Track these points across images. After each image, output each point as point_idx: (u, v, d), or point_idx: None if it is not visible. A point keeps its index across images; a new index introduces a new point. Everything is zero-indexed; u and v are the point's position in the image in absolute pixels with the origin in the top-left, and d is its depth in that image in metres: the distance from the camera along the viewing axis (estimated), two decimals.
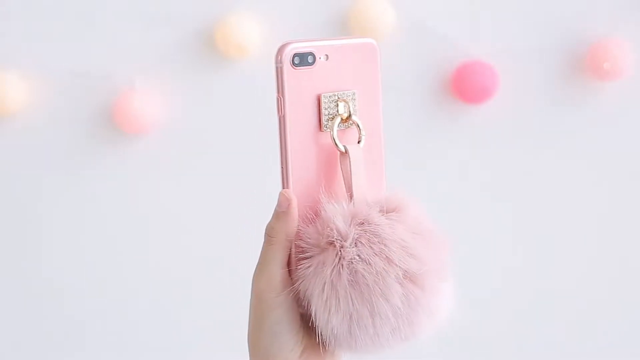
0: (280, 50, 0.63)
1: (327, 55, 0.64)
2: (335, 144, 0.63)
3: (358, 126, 0.64)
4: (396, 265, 0.59)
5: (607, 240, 1.35)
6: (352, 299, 0.59)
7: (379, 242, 0.59)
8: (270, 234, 0.62)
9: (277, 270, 0.61)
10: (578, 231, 1.34)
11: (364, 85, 0.65)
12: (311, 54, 0.63)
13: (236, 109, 1.31)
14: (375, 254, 0.59)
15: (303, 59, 0.63)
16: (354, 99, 0.64)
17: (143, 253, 1.35)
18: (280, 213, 0.62)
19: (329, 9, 1.28)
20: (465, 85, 1.27)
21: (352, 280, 0.59)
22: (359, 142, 0.64)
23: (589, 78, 1.29)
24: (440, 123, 1.31)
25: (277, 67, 0.63)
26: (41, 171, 1.33)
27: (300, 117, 0.63)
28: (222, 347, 1.33)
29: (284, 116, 0.63)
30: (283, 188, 0.63)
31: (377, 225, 0.60)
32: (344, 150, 0.63)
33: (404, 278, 0.59)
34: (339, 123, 0.64)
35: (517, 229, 1.34)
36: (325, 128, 0.63)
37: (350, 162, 0.62)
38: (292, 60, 0.63)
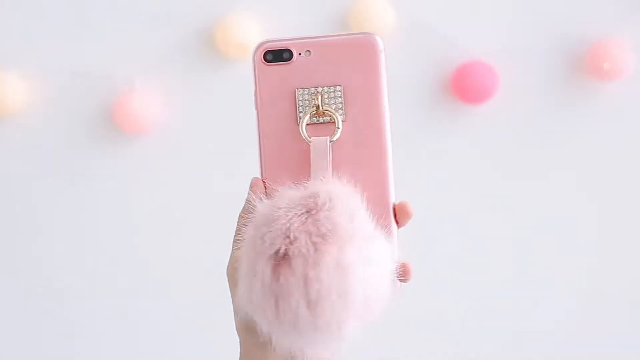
0: (255, 48, 0.66)
1: (309, 51, 0.65)
2: (303, 135, 0.64)
3: (332, 119, 0.65)
4: (269, 244, 0.59)
5: (606, 240, 1.35)
6: (244, 279, 0.61)
7: (263, 225, 0.60)
8: (238, 221, 0.66)
9: (235, 252, 0.64)
10: (578, 231, 1.34)
11: (357, 80, 0.65)
12: (287, 50, 0.65)
13: (236, 109, 1.31)
14: (258, 233, 0.60)
15: (277, 56, 0.65)
16: (337, 93, 0.65)
17: (143, 253, 1.35)
18: (246, 200, 0.65)
19: (329, 9, 1.28)
20: (465, 85, 1.27)
21: (242, 261, 0.61)
22: (334, 135, 0.65)
23: (589, 78, 1.29)
24: (440, 123, 1.31)
25: (252, 64, 0.66)
26: (41, 171, 1.33)
27: (276, 112, 0.65)
28: (222, 346, 1.32)
29: (258, 110, 0.66)
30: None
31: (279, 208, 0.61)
32: (310, 142, 0.64)
33: (277, 259, 0.59)
34: (313, 116, 0.65)
35: (517, 229, 1.34)
36: (299, 121, 0.65)
37: (311, 152, 0.64)
38: (264, 57, 0.65)
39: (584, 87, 1.30)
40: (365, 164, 0.65)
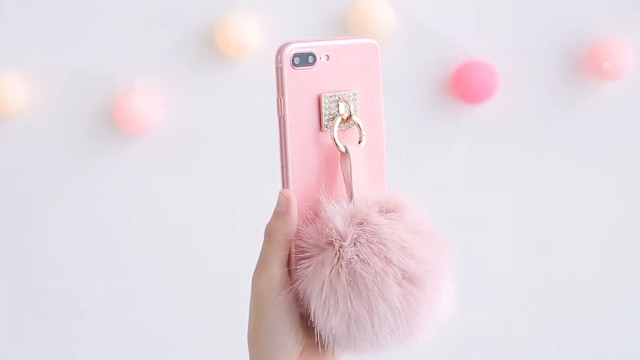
0: (280, 51, 0.62)
1: (327, 55, 0.63)
2: (336, 144, 0.63)
3: (359, 126, 0.64)
4: (395, 265, 0.59)
5: (607, 240, 1.35)
6: (350, 299, 0.59)
7: (377, 242, 0.59)
8: (269, 234, 0.62)
9: (276, 270, 0.61)
10: (578, 231, 1.34)
11: (365, 85, 0.65)
12: (311, 54, 0.63)
13: (236, 109, 1.31)
14: (374, 254, 0.59)
15: (303, 59, 0.63)
16: (355, 99, 0.64)
17: (143, 253, 1.35)
18: (280, 213, 0.61)
19: (329, 9, 1.28)
20: (465, 85, 1.27)
21: (350, 280, 0.59)
22: (359, 142, 0.64)
23: (589, 78, 1.29)
24: (440, 123, 1.31)
25: (277, 68, 0.62)
26: (41, 171, 1.33)
27: (300, 118, 0.63)
28: (222, 346, 1.33)
29: (283, 116, 0.62)
30: (283, 188, 0.63)
31: (377, 225, 0.60)
32: (344, 151, 0.63)
33: (402, 278, 0.59)
34: (340, 123, 0.63)
35: (517, 229, 1.34)
36: (325, 128, 0.63)
37: (350, 162, 0.62)
38: (292, 60, 0.62)
39: (584, 87, 1.30)
40: (371, 168, 0.64)
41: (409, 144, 1.31)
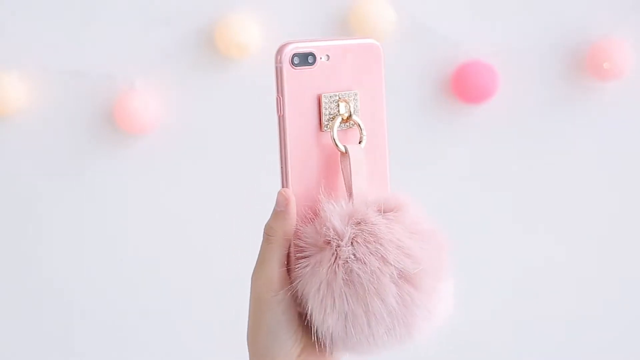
0: (280, 50, 0.62)
1: (328, 55, 0.63)
2: (336, 144, 0.63)
3: (359, 126, 0.64)
4: (391, 264, 0.59)
5: (607, 240, 1.35)
6: (347, 298, 0.59)
7: (374, 242, 0.59)
8: (268, 233, 0.62)
9: (275, 270, 0.61)
10: (578, 231, 1.34)
11: (366, 85, 0.65)
12: (311, 54, 0.63)
13: (236, 108, 1.32)
14: (371, 253, 0.59)
15: (303, 59, 0.63)
16: (356, 99, 0.64)
17: (143, 253, 1.35)
18: (279, 212, 0.62)
19: (329, 9, 1.28)
20: (465, 85, 1.27)
21: (347, 280, 0.59)
22: (360, 142, 0.64)
23: (589, 78, 1.29)
24: (440, 123, 1.31)
25: (276, 67, 0.63)
26: (41, 171, 1.33)
27: (300, 117, 0.63)
28: (221, 346, 1.33)
29: (283, 116, 0.62)
30: (282, 187, 0.63)
31: (374, 224, 0.60)
32: (344, 150, 0.63)
33: (399, 278, 0.59)
34: (340, 123, 0.63)
35: (517, 229, 1.34)
36: (325, 128, 0.63)
37: (350, 162, 0.62)
38: (292, 60, 0.62)
39: (584, 87, 1.30)
40: (372, 168, 0.64)
41: (409, 144, 1.31)
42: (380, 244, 0.59)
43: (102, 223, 1.35)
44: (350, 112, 0.64)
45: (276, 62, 0.62)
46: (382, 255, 0.59)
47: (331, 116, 0.63)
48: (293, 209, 0.61)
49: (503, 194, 1.34)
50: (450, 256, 0.62)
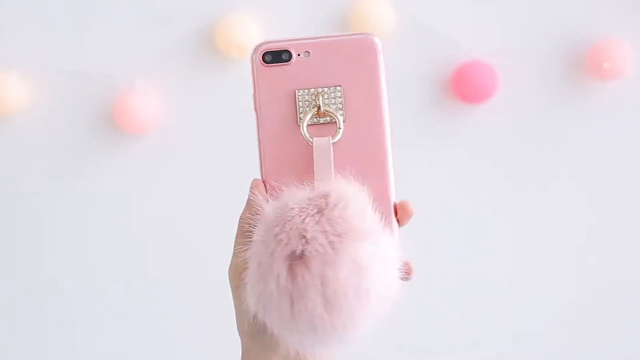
0: (254, 50, 0.66)
1: (308, 52, 0.65)
2: (304, 136, 0.64)
3: (334, 119, 0.65)
4: (284, 244, 0.59)
5: (607, 240, 1.35)
6: (256, 279, 0.60)
7: (276, 226, 0.60)
8: (239, 222, 0.65)
9: (240, 257, 0.63)
10: (578, 231, 1.34)
11: (356, 80, 0.65)
12: (286, 51, 0.65)
13: (236, 109, 1.31)
14: (273, 235, 0.60)
15: (276, 57, 0.65)
16: (337, 94, 0.65)
17: (143, 253, 1.35)
18: (248, 201, 0.65)
19: (329, 9, 1.28)
20: (465, 85, 1.27)
21: (256, 262, 0.61)
22: (336, 135, 0.64)
23: (589, 78, 1.29)
24: (440, 123, 1.31)
25: (250, 66, 0.66)
26: (41, 171, 1.33)
27: (275, 112, 0.65)
28: (221, 346, 1.33)
29: (256, 111, 0.66)
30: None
31: (291, 211, 0.60)
32: (311, 143, 0.64)
33: (292, 258, 0.59)
34: (314, 116, 0.65)
35: (516, 229, 1.34)
36: (299, 122, 0.65)
37: (313, 154, 0.64)
38: (263, 58, 0.65)
39: (584, 87, 1.30)
40: (366, 163, 0.65)
41: (408, 144, 1.31)
42: (280, 226, 0.59)
43: (102, 223, 1.35)
44: (319, 105, 0.65)
45: (250, 61, 0.66)
46: (276, 234, 0.60)
47: (305, 110, 0.65)
48: (257, 197, 0.64)
49: (503, 194, 1.34)
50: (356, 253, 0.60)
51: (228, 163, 1.32)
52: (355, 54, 0.65)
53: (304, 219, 0.59)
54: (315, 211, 0.60)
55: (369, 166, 0.65)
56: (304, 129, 0.65)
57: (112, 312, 1.37)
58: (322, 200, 0.60)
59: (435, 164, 1.33)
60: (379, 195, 0.64)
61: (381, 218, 0.62)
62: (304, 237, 0.59)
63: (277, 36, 1.26)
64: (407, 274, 0.63)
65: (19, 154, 1.33)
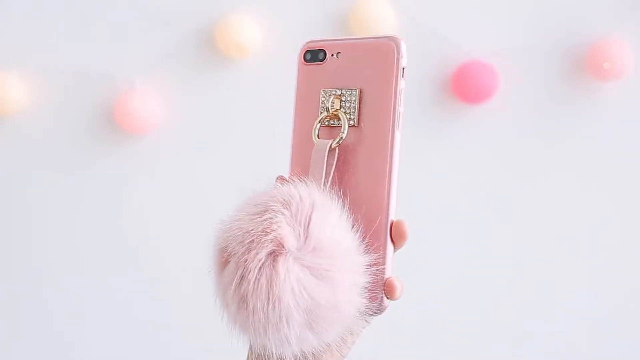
0: (301, 47, 0.66)
1: (339, 52, 0.65)
2: (313, 136, 0.65)
3: (342, 123, 0.64)
4: (232, 243, 0.61)
5: (607, 240, 1.35)
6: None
7: (230, 222, 0.62)
8: None
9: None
10: (578, 231, 1.34)
11: (373, 83, 0.65)
12: (322, 50, 0.66)
13: (236, 108, 1.31)
14: (229, 237, 0.62)
15: (314, 56, 0.66)
16: (353, 97, 0.64)
17: (143, 252, 1.35)
18: None
19: (329, 9, 1.28)
20: (465, 85, 1.28)
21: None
22: (337, 139, 0.64)
23: (589, 78, 1.29)
24: (440, 123, 1.31)
25: (297, 62, 0.67)
26: (41, 171, 1.33)
27: (306, 111, 0.66)
28: (220, 346, 1.33)
29: (294, 107, 0.66)
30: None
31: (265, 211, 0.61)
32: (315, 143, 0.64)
33: (232, 255, 0.61)
34: (327, 118, 0.65)
35: (516, 229, 1.34)
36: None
37: (312, 154, 0.64)
38: (304, 56, 0.66)
39: (584, 87, 1.30)
40: (368, 173, 0.64)
41: (409, 144, 1.31)
42: (242, 229, 0.61)
43: (102, 222, 1.35)
44: (329, 107, 0.65)
45: (297, 57, 0.67)
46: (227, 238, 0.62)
47: (322, 110, 0.65)
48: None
49: (503, 193, 1.34)
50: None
51: (228, 163, 1.32)
52: (375, 57, 0.65)
53: (247, 222, 0.60)
54: (259, 210, 0.61)
55: (369, 176, 0.63)
56: (315, 129, 0.65)
57: (111, 311, 1.37)
58: (270, 201, 0.60)
59: (435, 163, 1.33)
60: (374, 208, 0.62)
61: (365, 234, 0.60)
62: (242, 242, 0.60)
63: (276, 36, 1.26)
64: (388, 293, 0.61)
65: (19, 154, 1.33)
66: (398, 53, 0.65)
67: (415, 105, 1.31)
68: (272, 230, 0.58)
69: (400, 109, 0.65)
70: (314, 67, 0.66)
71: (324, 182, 0.62)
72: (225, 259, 0.61)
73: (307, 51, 0.66)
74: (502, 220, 1.34)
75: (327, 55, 0.65)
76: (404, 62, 0.65)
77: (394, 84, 0.65)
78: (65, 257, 1.36)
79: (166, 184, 1.34)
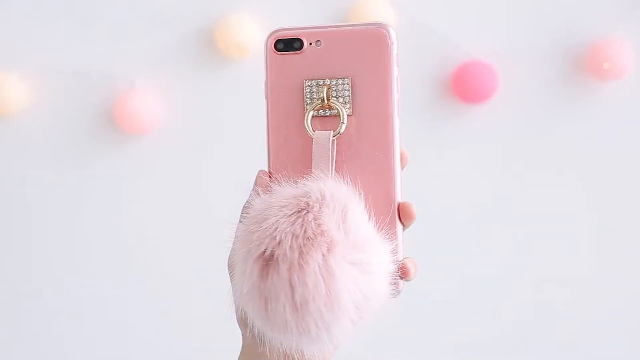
0: (267, 36, 0.64)
1: (318, 40, 0.63)
2: (307, 128, 0.63)
3: (339, 113, 0.63)
4: (257, 243, 0.59)
5: (607, 240, 1.35)
6: (236, 274, 0.60)
7: (254, 223, 0.59)
8: (241, 211, 0.64)
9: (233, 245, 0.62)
10: (578, 231, 1.34)
11: (367, 73, 0.63)
12: (298, 39, 0.63)
13: (236, 108, 1.31)
14: (250, 232, 0.59)
15: (288, 45, 0.63)
16: (345, 86, 0.63)
17: (142, 253, 1.35)
18: (252, 190, 0.64)
19: (329, 9, 1.28)
20: (465, 85, 1.27)
21: (234, 258, 0.61)
22: (338, 129, 0.63)
23: (589, 78, 1.29)
24: (440, 123, 1.31)
25: (264, 52, 0.64)
26: (41, 171, 1.33)
27: (284, 102, 0.64)
28: (220, 346, 1.32)
29: (267, 99, 0.64)
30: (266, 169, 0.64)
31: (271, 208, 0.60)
32: (313, 136, 0.63)
33: (264, 256, 0.58)
34: (320, 109, 0.63)
35: (517, 229, 1.34)
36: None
37: (312, 147, 0.62)
38: (275, 45, 0.64)
39: (584, 87, 1.30)
40: (371, 160, 0.63)
41: (409, 144, 1.31)
42: (259, 224, 0.59)
43: (101, 222, 1.35)
44: (325, 97, 0.63)
45: (264, 47, 0.64)
46: (249, 231, 0.60)
47: (312, 101, 0.63)
48: (258, 187, 0.63)
49: (503, 194, 1.34)
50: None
51: (228, 163, 1.32)
52: (366, 45, 0.63)
53: (278, 219, 0.58)
54: (294, 211, 0.58)
55: (373, 163, 0.63)
56: (308, 121, 0.63)
57: (110, 311, 1.36)
58: (303, 199, 0.59)
59: (435, 163, 1.33)
60: (382, 195, 0.63)
61: (377, 220, 0.61)
62: (275, 238, 0.58)
63: None
64: (403, 274, 0.62)
65: (19, 154, 1.33)
66: (390, 39, 0.64)
67: (415, 105, 1.31)
68: (322, 231, 0.57)
69: (397, 95, 0.64)
70: (289, 56, 0.63)
71: (332, 174, 0.61)
72: (266, 263, 0.58)
73: (279, 40, 0.63)
74: (502, 220, 1.34)
75: (305, 43, 0.63)
76: (395, 48, 0.64)
77: (391, 71, 0.64)
78: (65, 257, 1.36)
79: (166, 184, 1.34)
